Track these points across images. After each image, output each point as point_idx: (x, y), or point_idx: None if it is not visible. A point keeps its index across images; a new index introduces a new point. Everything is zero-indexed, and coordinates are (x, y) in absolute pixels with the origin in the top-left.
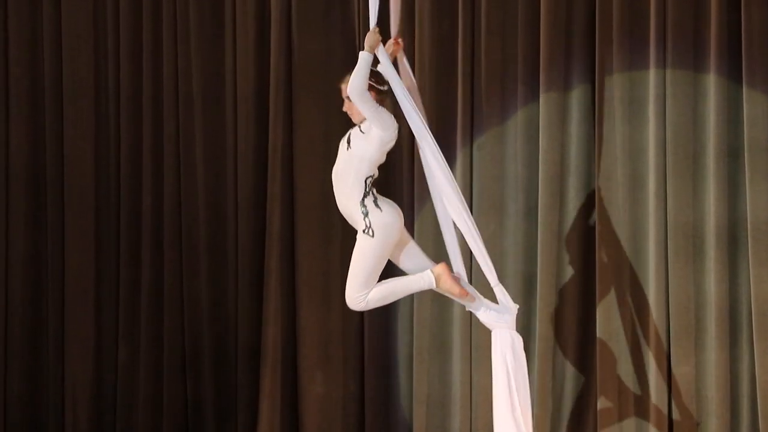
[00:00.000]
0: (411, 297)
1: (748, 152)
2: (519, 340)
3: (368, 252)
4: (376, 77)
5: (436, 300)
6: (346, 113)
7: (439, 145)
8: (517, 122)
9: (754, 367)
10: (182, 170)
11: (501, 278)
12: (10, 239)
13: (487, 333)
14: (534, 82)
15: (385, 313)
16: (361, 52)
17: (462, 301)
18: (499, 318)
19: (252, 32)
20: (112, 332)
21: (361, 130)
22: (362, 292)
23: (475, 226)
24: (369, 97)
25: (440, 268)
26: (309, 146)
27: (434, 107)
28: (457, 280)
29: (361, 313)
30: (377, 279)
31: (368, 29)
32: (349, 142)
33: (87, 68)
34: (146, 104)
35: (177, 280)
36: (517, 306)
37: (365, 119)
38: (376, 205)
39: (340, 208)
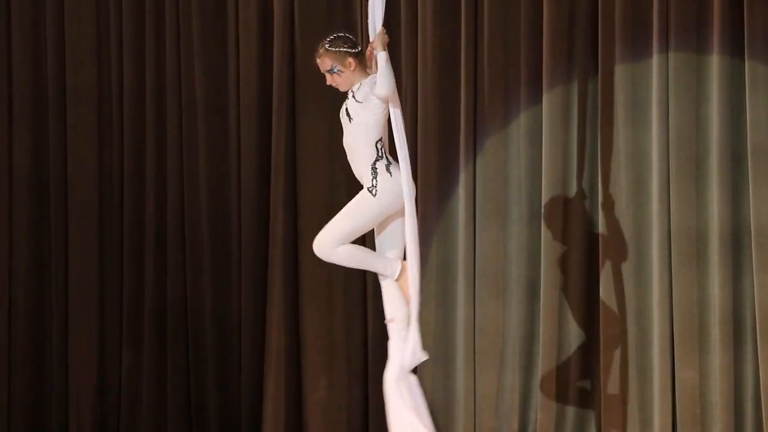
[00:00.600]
0: None
1: (752, 156)
2: (414, 380)
3: (362, 209)
4: (347, 42)
5: (440, 305)
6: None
7: (442, 150)
8: (520, 126)
9: (759, 372)
10: (185, 175)
11: (504, 283)
12: (14, 245)
13: (491, 339)
14: (537, 86)
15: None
16: (379, 53)
17: (390, 314)
18: (402, 354)
19: (254, 37)
20: (116, 337)
21: (357, 100)
22: (335, 243)
23: (419, 254)
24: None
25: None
26: (312, 151)
27: (437, 111)
28: None
29: (365, 317)
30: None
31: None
32: (348, 115)
33: (90, 74)
34: (149, 109)
35: (180, 285)
36: (426, 356)
37: (355, 86)
38: (388, 169)
39: (356, 176)
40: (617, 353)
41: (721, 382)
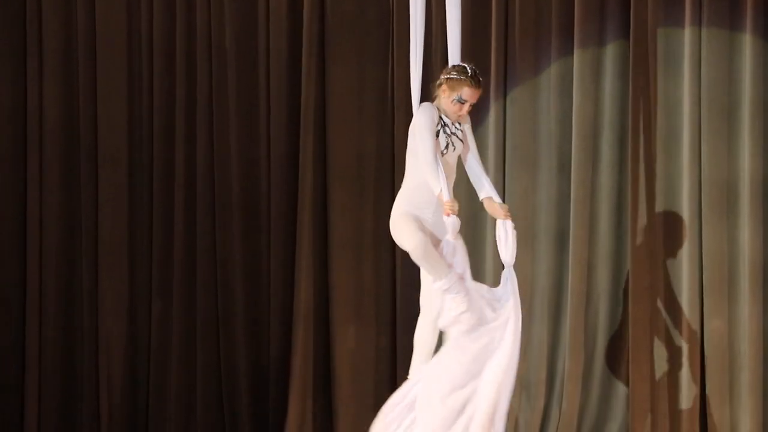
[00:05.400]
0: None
1: None
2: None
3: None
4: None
5: (469, 255)
6: (376, 69)
7: None
8: (550, 77)
9: None
10: (215, 126)
11: (534, 233)
12: (44, 195)
13: (520, 289)
14: (568, 36)
15: (417, 268)
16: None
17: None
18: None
19: None
20: (146, 287)
21: (460, 139)
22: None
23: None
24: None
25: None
26: (341, 102)
27: (468, 62)
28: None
29: (393, 268)
30: None
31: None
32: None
33: (119, 23)
34: (179, 60)
35: (210, 235)
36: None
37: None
38: None
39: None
40: (646, 303)
41: (750, 332)
